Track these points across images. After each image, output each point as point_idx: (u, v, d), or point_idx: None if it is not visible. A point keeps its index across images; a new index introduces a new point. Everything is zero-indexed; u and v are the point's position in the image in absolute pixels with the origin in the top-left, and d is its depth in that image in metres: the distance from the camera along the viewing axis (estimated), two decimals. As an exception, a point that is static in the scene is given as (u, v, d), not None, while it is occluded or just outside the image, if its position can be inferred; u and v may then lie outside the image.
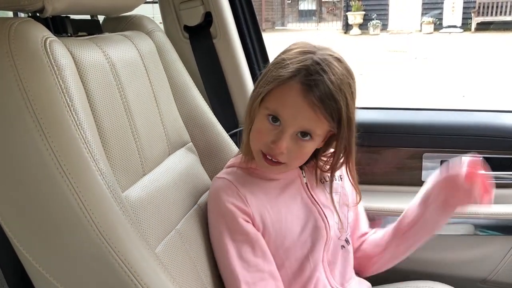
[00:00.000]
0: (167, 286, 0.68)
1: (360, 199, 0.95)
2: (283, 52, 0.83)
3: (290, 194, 0.89)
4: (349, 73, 0.81)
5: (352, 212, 0.98)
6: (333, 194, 0.93)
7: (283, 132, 0.80)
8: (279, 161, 0.82)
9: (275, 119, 0.81)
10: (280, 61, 0.81)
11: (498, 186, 1.33)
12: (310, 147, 0.83)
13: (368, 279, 1.02)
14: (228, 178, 0.87)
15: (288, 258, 0.87)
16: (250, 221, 0.85)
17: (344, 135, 0.81)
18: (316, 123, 0.79)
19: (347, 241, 0.96)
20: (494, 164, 1.33)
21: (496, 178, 1.34)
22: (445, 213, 0.91)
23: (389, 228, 0.99)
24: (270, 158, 0.83)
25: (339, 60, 0.80)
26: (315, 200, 0.90)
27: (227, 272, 0.84)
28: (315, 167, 0.92)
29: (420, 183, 1.36)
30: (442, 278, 1.16)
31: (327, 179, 0.94)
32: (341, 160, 0.87)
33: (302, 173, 0.92)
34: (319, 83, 0.76)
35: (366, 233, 1.04)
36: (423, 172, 1.36)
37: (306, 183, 0.91)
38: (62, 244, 0.65)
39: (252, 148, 0.86)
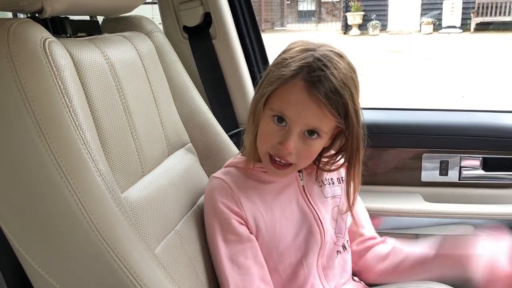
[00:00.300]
0: (166, 286, 0.68)
1: (353, 202, 0.90)
2: (284, 52, 0.82)
3: (286, 197, 0.88)
4: (351, 67, 0.80)
5: (350, 216, 0.96)
6: (330, 198, 0.92)
7: (290, 132, 0.79)
8: (288, 161, 0.81)
9: (280, 119, 0.79)
10: (281, 61, 0.80)
11: (498, 186, 1.34)
12: (318, 145, 0.82)
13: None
14: (223, 179, 0.86)
15: (281, 262, 0.87)
16: (244, 223, 0.84)
17: (354, 130, 0.80)
18: (322, 120, 0.78)
19: (344, 246, 0.94)
20: (493, 164, 1.34)
21: (496, 178, 1.34)
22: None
23: (396, 254, 0.96)
24: (278, 160, 0.82)
25: (340, 55, 0.80)
26: (311, 204, 0.89)
27: (218, 272, 0.84)
28: (316, 168, 0.91)
29: (419, 183, 1.38)
30: (442, 278, 1.15)
31: (326, 183, 0.93)
32: (353, 156, 0.84)
33: (300, 176, 0.91)
34: (323, 79, 0.75)
35: (370, 239, 1.00)
36: (423, 173, 1.37)
37: (303, 186, 0.90)
38: (61, 244, 0.65)
39: (259, 151, 0.84)
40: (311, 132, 0.79)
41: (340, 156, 0.88)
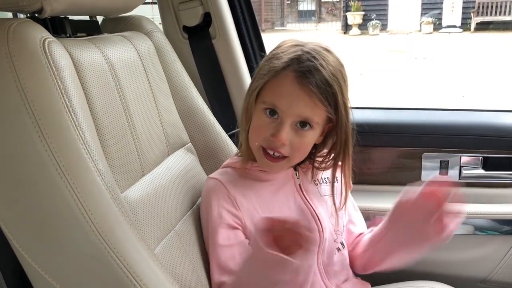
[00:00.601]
0: (166, 286, 0.68)
1: (346, 199, 0.92)
2: (274, 48, 0.85)
3: (283, 196, 0.89)
4: (339, 61, 0.83)
5: (346, 215, 0.97)
6: (327, 197, 0.92)
7: (282, 123, 0.80)
8: (282, 154, 0.82)
9: (272, 112, 0.81)
10: (272, 56, 0.83)
11: (498, 185, 1.34)
12: (310, 136, 0.83)
13: (368, 279, 1.01)
14: (219, 179, 0.87)
15: None
16: (239, 226, 0.84)
17: (343, 122, 0.82)
18: (313, 110, 0.80)
19: (342, 243, 0.94)
20: (493, 164, 1.34)
21: (496, 178, 1.34)
22: (408, 237, 0.82)
23: (370, 233, 0.95)
24: (272, 153, 0.82)
25: (327, 50, 0.83)
26: (308, 202, 0.90)
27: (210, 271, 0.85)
28: (312, 167, 0.92)
29: (420, 183, 1.37)
30: (442, 278, 1.15)
31: (321, 181, 0.94)
32: (342, 152, 0.86)
33: (296, 174, 0.91)
34: (313, 70, 0.78)
35: (362, 233, 1.00)
36: (423, 172, 1.36)
37: (299, 184, 0.91)
38: (61, 244, 0.65)
39: (252, 146, 0.85)
40: (303, 123, 0.81)
41: (333, 154, 0.89)
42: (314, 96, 0.78)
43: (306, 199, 0.90)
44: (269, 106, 0.81)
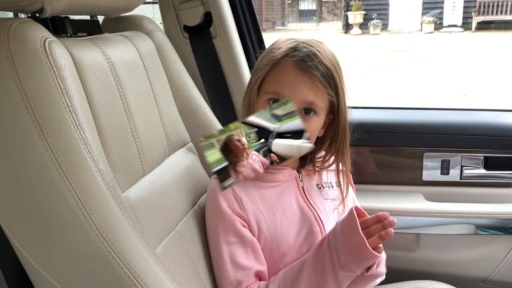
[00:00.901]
0: (167, 286, 0.68)
1: (347, 192, 0.93)
2: (270, 45, 0.88)
3: (286, 198, 0.89)
4: (332, 52, 0.86)
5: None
6: (330, 201, 0.93)
7: None
8: None
9: (276, 102, 0.82)
10: (270, 50, 0.86)
11: (500, 185, 1.34)
12: (316, 122, 0.85)
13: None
14: None
15: (283, 263, 0.87)
16: (246, 225, 0.85)
17: (343, 106, 0.85)
18: (316, 93, 0.82)
19: None
20: (495, 164, 1.34)
21: (497, 177, 1.34)
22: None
23: None
24: None
25: (320, 42, 0.87)
26: (311, 205, 0.90)
27: (218, 273, 0.85)
28: (314, 169, 0.92)
29: (420, 182, 1.38)
30: (443, 277, 1.15)
31: (324, 185, 0.94)
32: (343, 139, 0.88)
33: (299, 177, 0.91)
34: (311, 55, 0.81)
35: None
36: (424, 172, 1.36)
37: (302, 187, 0.91)
38: (61, 244, 0.65)
39: None
40: (308, 110, 0.83)
41: (335, 144, 0.90)
42: (316, 79, 0.80)
43: (309, 202, 0.90)
44: (273, 95, 0.83)
